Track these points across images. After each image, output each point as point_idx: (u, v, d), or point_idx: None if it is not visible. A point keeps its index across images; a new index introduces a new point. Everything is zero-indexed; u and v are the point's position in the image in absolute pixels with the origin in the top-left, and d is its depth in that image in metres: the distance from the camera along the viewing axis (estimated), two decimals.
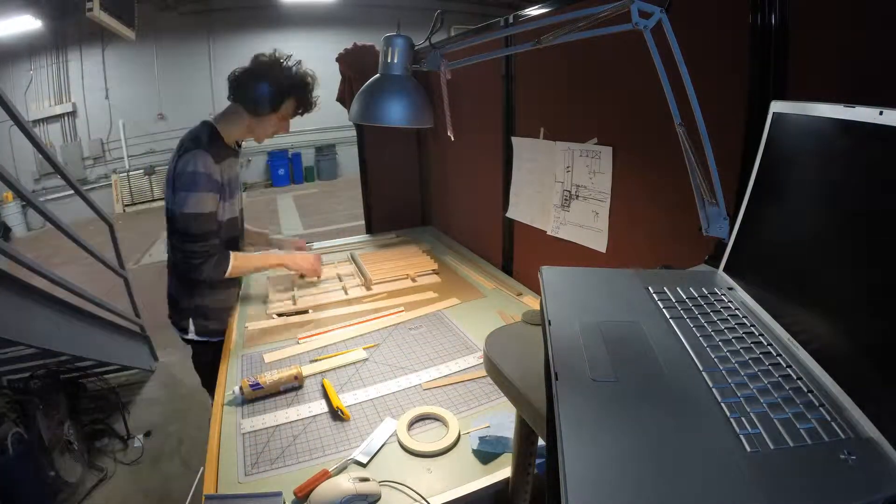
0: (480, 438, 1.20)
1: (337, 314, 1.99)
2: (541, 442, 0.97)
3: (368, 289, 2.18)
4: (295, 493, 1.10)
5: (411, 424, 1.31)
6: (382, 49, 1.07)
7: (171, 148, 1.84)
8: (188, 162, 1.72)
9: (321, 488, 1.09)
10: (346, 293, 2.16)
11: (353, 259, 2.51)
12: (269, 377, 1.46)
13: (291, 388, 1.49)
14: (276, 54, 1.86)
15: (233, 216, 1.95)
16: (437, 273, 2.33)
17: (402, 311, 1.98)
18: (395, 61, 1.06)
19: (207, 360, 1.94)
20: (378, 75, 1.09)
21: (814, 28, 0.99)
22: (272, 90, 1.81)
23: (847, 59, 0.95)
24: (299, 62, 1.89)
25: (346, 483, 1.07)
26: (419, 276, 2.29)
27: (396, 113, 1.07)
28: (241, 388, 1.44)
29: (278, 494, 1.05)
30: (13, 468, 2.14)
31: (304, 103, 1.92)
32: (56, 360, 2.67)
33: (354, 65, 2.83)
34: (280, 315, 2.00)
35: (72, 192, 3.07)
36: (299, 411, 1.41)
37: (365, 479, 1.09)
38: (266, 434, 1.32)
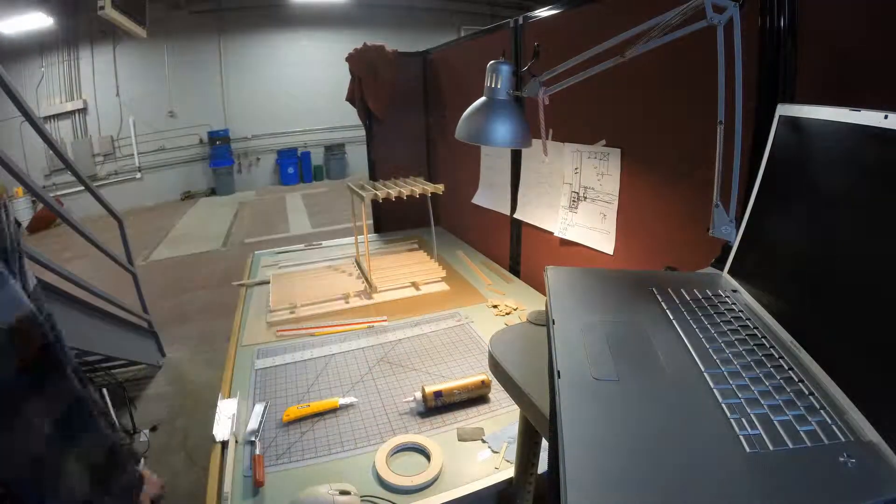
0: None
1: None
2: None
3: (370, 297, 2.16)
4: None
5: (392, 453, 1.24)
6: (488, 74, 1.13)
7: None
8: None
9: (300, 498, 1.09)
10: (347, 302, 2.14)
11: (359, 265, 2.51)
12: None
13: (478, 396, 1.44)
14: None
15: None
16: (444, 280, 2.31)
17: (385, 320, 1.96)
18: (500, 86, 1.13)
19: None
20: (484, 99, 1.16)
21: (821, 31, 0.99)
22: None
23: (853, 63, 0.95)
24: None
25: (325, 496, 1.07)
26: (425, 283, 2.28)
27: (502, 135, 1.13)
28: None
29: None
30: None
31: None
32: None
33: (364, 64, 2.83)
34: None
35: (82, 188, 3.09)
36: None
37: (345, 493, 1.08)
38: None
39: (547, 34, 1.81)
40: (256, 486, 1.14)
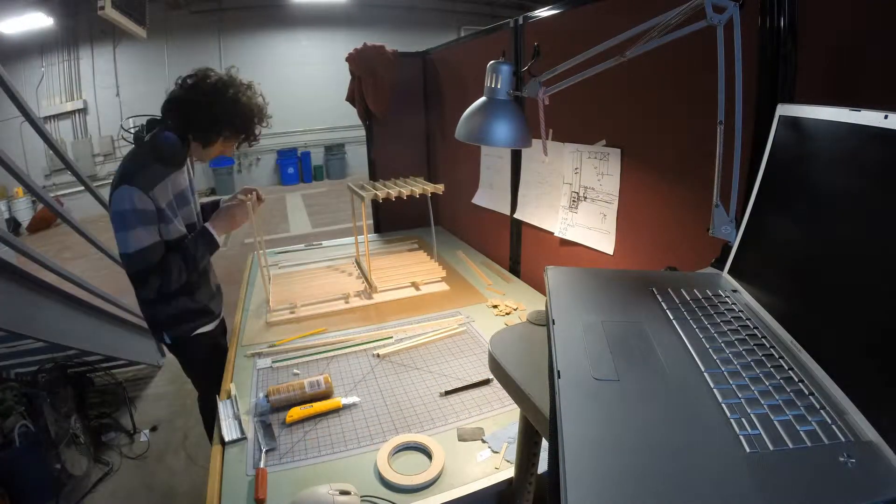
0: None
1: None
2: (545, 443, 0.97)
3: (370, 297, 2.16)
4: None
5: (393, 452, 1.24)
6: (488, 74, 1.13)
7: None
8: (116, 201, 1.56)
9: (300, 497, 1.09)
10: (347, 302, 2.13)
11: (359, 265, 2.51)
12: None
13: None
14: (226, 77, 1.75)
15: (182, 230, 1.74)
16: (444, 280, 2.30)
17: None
18: (500, 86, 1.13)
19: (201, 355, 1.92)
20: (484, 99, 1.15)
21: (821, 31, 0.99)
22: (212, 120, 1.69)
23: (853, 63, 0.95)
24: (249, 86, 1.78)
25: (325, 496, 1.06)
26: (425, 283, 2.28)
27: (502, 135, 1.13)
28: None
29: None
30: (20, 460, 2.16)
31: (248, 136, 1.80)
32: (64, 354, 2.69)
33: (364, 64, 2.83)
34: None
35: (82, 188, 3.10)
36: None
37: (346, 493, 1.08)
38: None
39: (547, 34, 1.81)
40: (258, 502, 1.10)
